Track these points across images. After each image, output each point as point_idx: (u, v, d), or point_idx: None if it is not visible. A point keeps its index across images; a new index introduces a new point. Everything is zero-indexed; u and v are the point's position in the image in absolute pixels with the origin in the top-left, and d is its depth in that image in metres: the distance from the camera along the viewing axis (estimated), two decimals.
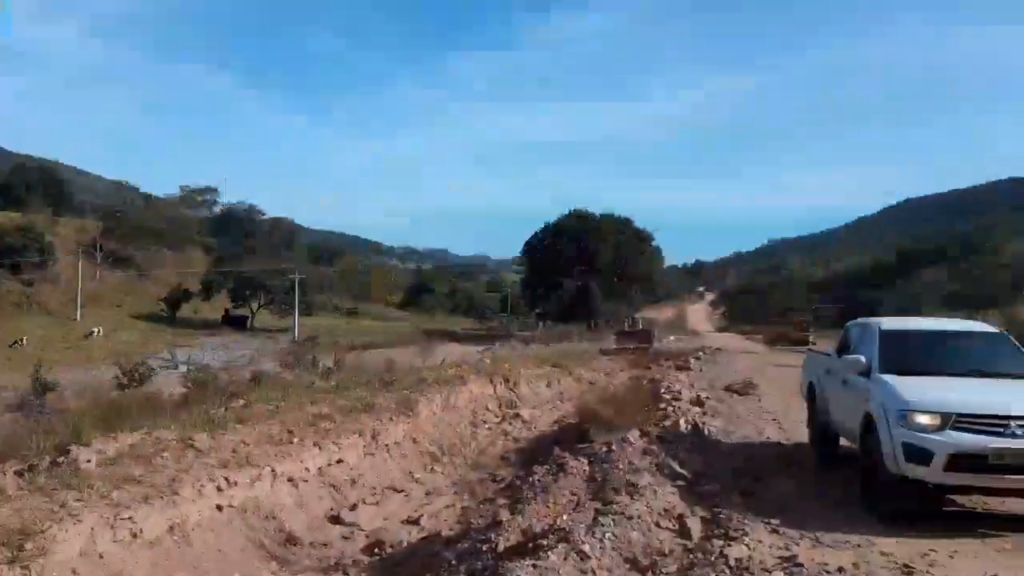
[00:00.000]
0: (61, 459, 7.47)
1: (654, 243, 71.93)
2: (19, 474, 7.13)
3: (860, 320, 10.67)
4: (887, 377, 7.98)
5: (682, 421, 12.59)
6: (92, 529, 6.27)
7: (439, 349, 27.11)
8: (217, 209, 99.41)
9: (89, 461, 7.42)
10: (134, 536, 6.62)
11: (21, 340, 50.54)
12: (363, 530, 8.69)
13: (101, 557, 6.23)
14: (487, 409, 16.50)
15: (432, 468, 11.61)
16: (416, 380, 14.96)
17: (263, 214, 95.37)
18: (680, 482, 8.67)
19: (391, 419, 11.86)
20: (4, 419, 20.07)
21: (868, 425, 7.80)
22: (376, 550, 8.08)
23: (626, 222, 70.68)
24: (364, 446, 10.84)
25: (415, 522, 9.02)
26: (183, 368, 34.36)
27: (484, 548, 6.64)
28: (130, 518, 6.63)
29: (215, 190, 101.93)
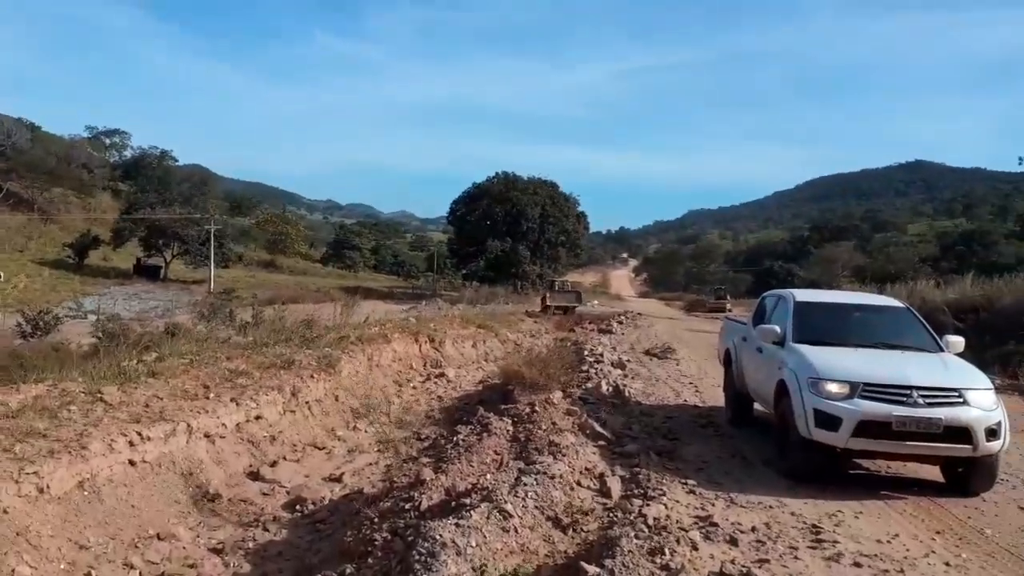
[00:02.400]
0: None
1: (579, 208, 72.51)
2: None
3: (775, 291, 11.04)
4: (800, 347, 8.30)
5: (604, 383, 12.84)
6: None
7: (362, 306, 26.70)
8: (128, 153, 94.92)
9: None
10: (40, 491, 6.32)
11: None
12: (284, 487, 8.54)
13: (6, 512, 5.93)
14: (412, 368, 16.41)
15: (355, 426, 11.49)
16: (338, 337, 14.70)
17: (176, 160, 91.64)
18: (601, 442, 8.85)
19: (312, 376, 11.64)
20: None
21: (781, 391, 8.11)
22: (297, 507, 7.97)
23: (552, 186, 70.93)
24: (284, 403, 10.62)
25: (337, 479, 8.93)
26: (92, 318, 32.91)
27: (407, 506, 6.63)
28: (35, 473, 6.31)
29: (126, 133, 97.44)
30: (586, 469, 7.56)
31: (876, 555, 5.60)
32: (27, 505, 6.16)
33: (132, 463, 7.46)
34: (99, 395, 8.24)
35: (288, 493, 8.38)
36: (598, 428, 9.34)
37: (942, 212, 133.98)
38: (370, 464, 9.61)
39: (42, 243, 64.51)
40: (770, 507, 6.71)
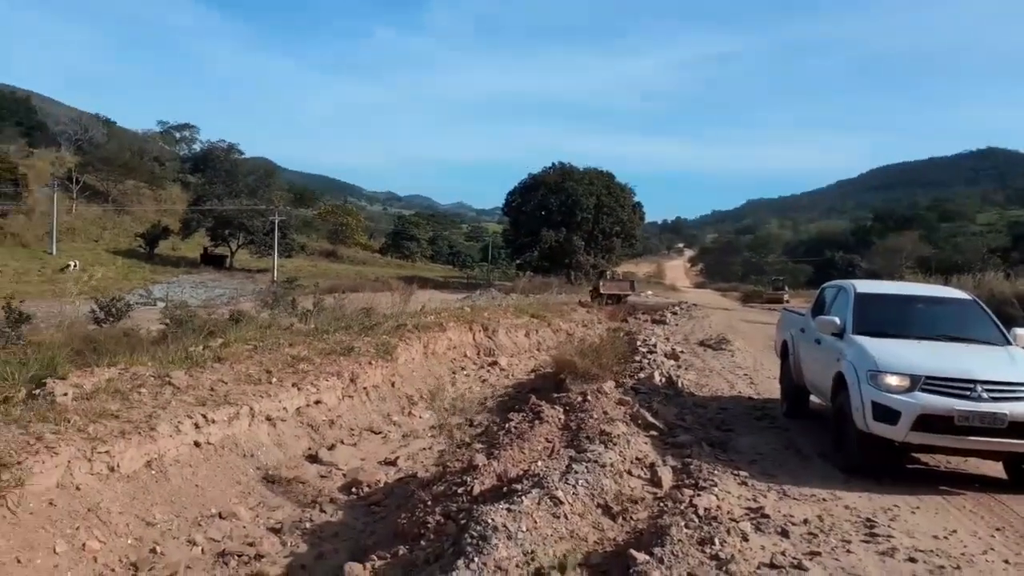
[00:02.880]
0: (37, 392, 7.43)
1: (635, 198, 71.81)
2: None
3: (836, 282, 10.82)
4: (860, 338, 8.14)
5: (657, 373, 12.78)
6: (69, 462, 6.27)
7: (419, 296, 27.04)
8: (197, 147, 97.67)
9: (66, 395, 7.39)
10: (111, 470, 6.64)
11: None
12: (340, 469, 8.78)
13: (78, 489, 6.25)
14: (466, 356, 16.60)
15: (410, 412, 11.71)
16: (395, 325, 14.96)
17: (242, 153, 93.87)
18: (653, 432, 8.84)
19: (370, 363, 11.89)
20: None
21: (839, 384, 7.98)
22: (353, 489, 8.18)
23: (608, 176, 70.35)
24: (342, 388, 10.89)
25: (392, 463, 9.13)
26: (161, 305, 34.08)
27: (459, 491, 6.75)
28: (107, 452, 6.63)
29: (194, 127, 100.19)
30: (637, 458, 7.56)
31: (932, 551, 5.48)
32: (98, 482, 6.48)
33: (197, 444, 7.76)
34: (167, 379, 8.59)
35: (345, 476, 8.60)
36: (650, 418, 9.32)
37: (1015, 201, 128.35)
38: (424, 449, 9.79)
39: (116, 233, 67.04)
40: (824, 500, 6.62)
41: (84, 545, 5.92)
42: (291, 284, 43.07)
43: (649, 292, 55.13)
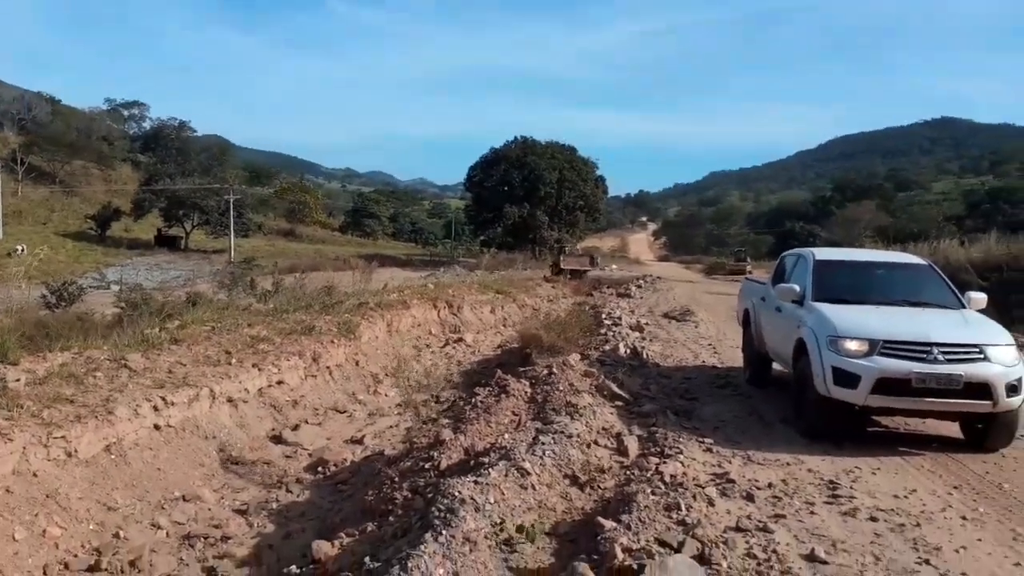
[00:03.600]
0: None
1: (598, 172, 71.88)
2: None
3: (795, 250, 10.95)
4: (819, 305, 8.25)
5: (621, 345, 12.86)
6: (24, 448, 6.11)
7: (381, 274, 26.79)
8: (147, 125, 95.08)
9: (18, 380, 7.18)
10: (68, 455, 6.49)
11: None
12: (306, 449, 8.69)
13: (35, 475, 6.10)
14: (430, 333, 16.53)
15: (375, 390, 11.63)
16: (357, 304, 14.81)
17: (194, 131, 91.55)
18: (619, 403, 8.90)
19: (332, 342, 11.76)
20: None
21: (800, 350, 8.09)
22: (319, 468, 8.11)
23: (571, 150, 70.25)
24: (305, 368, 10.77)
25: (358, 441, 9.07)
26: (114, 288, 33.29)
27: (427, 466, 6.73)
28: (63, 437, 6.47)
29: (144, 105, 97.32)
30: (603, 429, 7.61)
31: (893, 510, 5.61)
32: (56, 468, 6.33)
33: (157, 427, 7.62)
34: (123, 362, 8.40)
35: (310, 455, 8.53)
36: (615, 389, 9.37)
37: (969, 170, 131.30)
38: (391, 427, 9.74)
39: (64, 215, 65.15)
40: (787, 464, 6.73)
41: (44, 531, 5.80)
42: (249, 264, 42.36)
43: (614, 266, 55.37)
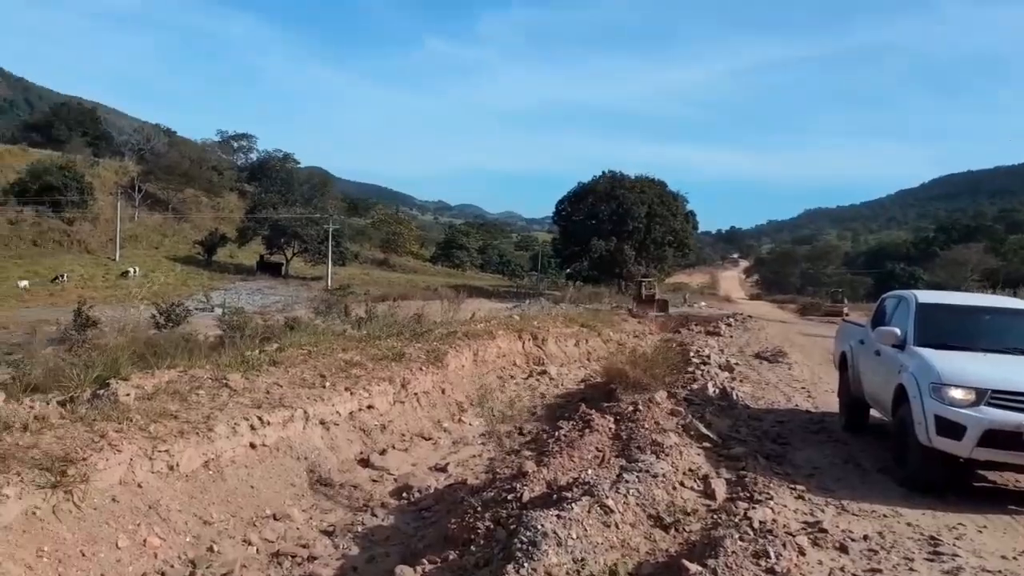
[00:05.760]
0: (101, 392, 7.67)
1: (687, 207, 71.01)
2: (61, 404, 7.33)
3: (896, 292, 10.53)
4: (922, 350, 7.89)
5: (710, 385, 12.58)
6: (131, 460, 6.45)
7: (468, 304, 27.18)
8: (254, 156, 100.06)
9: (128, 395, 7.61)
10: (171, 468, 6.81)
11: (62, 276, 51.80)
12: (392, 474, 8.84)
13: (140, 486, 6.42)
14: (515, 364, 16.59)
15: (459, 418, 11.74)
16: (446, 333, 15.04)
17: (298, 163, 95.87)
18: (706, 444, 8.70)
19: (421, 369, 11.97)
20: (47, 351, 20.66)
21: (900, 396, 7.74)
22: (404, 494, 8.22)
23: (660, 184, 69.74)
24: (394, 394, 10.98)
25: (442, 469, 9.16)
26: (218, 311, 34.91)
27: (509, 497, 6.73)
28: (167, 451, 6.80)
29: (252, 137, 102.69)
30: (689, 470, 7.45)
31: (1000, 571, 5.27)
32: (159, 480, 6.65)
33: (253, 446, 7.91)
34: (224, 381, 8.78)
35: (396, 480, 8.66)
36: (703, 429, 9.17)
37: None
38: (474, 456, 9.80)
39: (175, 241, 69.19)
40: (884, 516, 6.42)
41: (145, 541, 6.07)
42: (344, 292, 43.78)
43: (703, 303, 54.39)
